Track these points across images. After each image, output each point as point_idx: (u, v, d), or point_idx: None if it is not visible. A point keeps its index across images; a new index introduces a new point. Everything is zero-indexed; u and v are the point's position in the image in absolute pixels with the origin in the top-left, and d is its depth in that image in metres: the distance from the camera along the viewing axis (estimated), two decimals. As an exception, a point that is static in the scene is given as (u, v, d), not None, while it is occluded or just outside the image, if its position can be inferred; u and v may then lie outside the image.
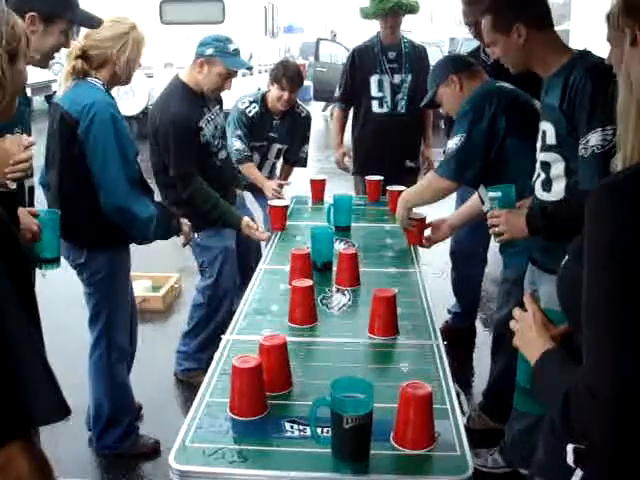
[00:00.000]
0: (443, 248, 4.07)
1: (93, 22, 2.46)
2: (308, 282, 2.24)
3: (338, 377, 1.53)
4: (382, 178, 3.80)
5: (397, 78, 4.30)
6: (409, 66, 4.29)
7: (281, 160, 4.37)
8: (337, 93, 4.55)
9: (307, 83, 16.30)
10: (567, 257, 1.25)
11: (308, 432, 1.58)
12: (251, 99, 4.07)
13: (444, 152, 4.09)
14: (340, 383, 1.50)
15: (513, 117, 2.59)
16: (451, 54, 4.17)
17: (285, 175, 4.42)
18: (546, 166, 2.24)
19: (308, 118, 4.31)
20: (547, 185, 2.24)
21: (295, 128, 4.23)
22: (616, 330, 1.04)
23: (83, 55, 2.60)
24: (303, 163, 4.42)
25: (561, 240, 2.15)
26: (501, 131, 2.59)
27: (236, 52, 3.31)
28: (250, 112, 4.02)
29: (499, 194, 2.38)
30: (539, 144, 2.27)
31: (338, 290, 2.51)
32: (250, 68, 3.56)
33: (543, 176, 2.26)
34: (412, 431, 1.54)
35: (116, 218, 2.63)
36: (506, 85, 2.75)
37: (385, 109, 4.33)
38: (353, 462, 1.48)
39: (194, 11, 10.78)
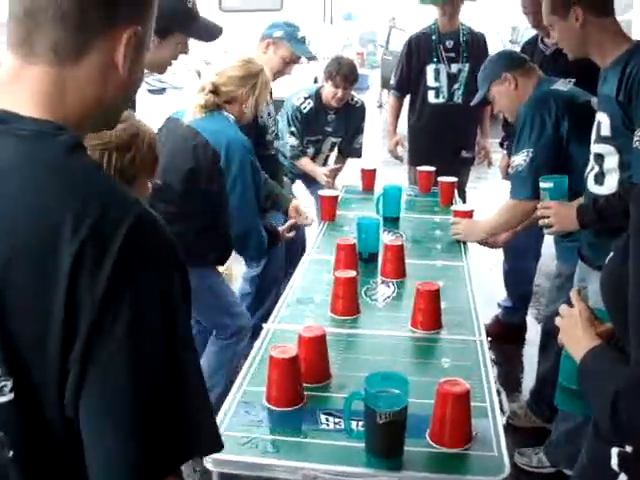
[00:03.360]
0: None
1: (211, 36, 2.47)
2: (351, 273, 2.22)
3: (373, 371, 1.51)
4: (434, 169, 3.74)
5: (454, 68, 4.21)
6: (467, 55, 4.19)
7: (335, 152, 4.35)
8: (392, 81, 4.49)
9: (365, 72, 16.22)
10: (612, 254, 1.20)
11: (343, 425, 1.57)
12: (306, 95, 4.04)
13: (501, 145, 4.01)
14: (375, 378, 1.48)
15: (573, 120, 2.52)
16: (504, 50, 4.06)
17: (339, 166, 4.39)
18: (599, 158, 2.17)
19: (363, 108, 4.27)
20: (600, 178, 2.17)
21: (350, 120, 4.18)
22: None
23: (215, 90, 2.67)
24: (358, 154, 4.37)
25: (610, 236, 2.10)
26: (565, 136, 2.52)
27: (303, 40, 3.36)
28: (305, 108, 3.99)
29: (551, 185, 2.33)
30: (593, 136, 2.20)
31: (383, 282, 2.48)
32: (314, 58, 3.60)
33: (596, 169, 2.19)
34: (448, 429, 1.51)
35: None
36: (560, 88, 2.66)
37: (441, 99, 4.24)
38: (386, 458, 1.46)
39: (252, -1, 10.81)
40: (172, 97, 7.24)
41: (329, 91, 3.94)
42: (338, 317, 2.17)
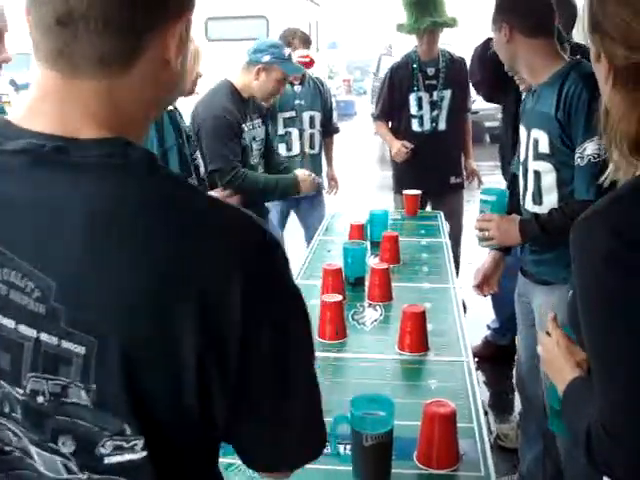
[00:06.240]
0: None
1: None
2: (337, 297, 2.23)
3: (359, 394, 1.52)
4: (420, 192, 3.76)
5: (436, 95, 4.24)
6: (447, 82, 4.24)
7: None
8: (374, 111, 4.50)
9: (351, 98, 16.36)
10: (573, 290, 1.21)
11: (330, 449, 1.57)
12: None
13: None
14: (361, 400, 1.48)
15: None
16: None
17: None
18: (537, 176, 2.19)
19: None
20: (537, 198, 2.20)
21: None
22: (618, 365, 1.00)
23: None
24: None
25: (550, 250, 2.12)
26: None
27: (290, 57, 3.40)
28: None
29: (494, 198, 2.33)
30: (531, 152, 2.21)
31: (370, 305, 2.49)
32: (303, 72, 3.71)
33: (533, 188, 2.21)
34: (435, 450, 1.51)
35: None
36: None
37: (425, 127, 4.27)
38: (374, 481, 1.46)
39: (239, 28, 10.92)
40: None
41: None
42: (326, 341, 2.18)
